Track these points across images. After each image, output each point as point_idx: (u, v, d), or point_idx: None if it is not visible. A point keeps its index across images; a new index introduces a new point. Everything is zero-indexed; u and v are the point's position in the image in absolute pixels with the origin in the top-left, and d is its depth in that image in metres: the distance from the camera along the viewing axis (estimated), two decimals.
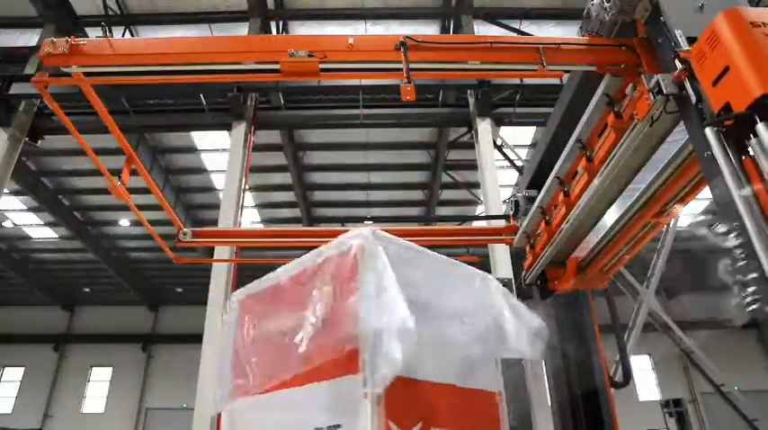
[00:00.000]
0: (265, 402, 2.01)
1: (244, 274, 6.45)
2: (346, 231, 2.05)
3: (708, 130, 2.04)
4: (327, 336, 1.79)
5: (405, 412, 1.66)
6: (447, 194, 15.19)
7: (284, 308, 2.14)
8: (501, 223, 4.77)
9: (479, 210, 14.67)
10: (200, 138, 13.04)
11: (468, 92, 10.61)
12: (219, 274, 8.35)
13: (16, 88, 9.65)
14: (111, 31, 2.88)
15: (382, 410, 1.57)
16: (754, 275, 1.81)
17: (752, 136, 1.91)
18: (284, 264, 2.50)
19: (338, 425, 1.60)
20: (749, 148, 1.94)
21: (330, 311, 1.83)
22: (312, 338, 1.82)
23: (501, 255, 8.36)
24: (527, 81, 9.92)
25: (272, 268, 2.64)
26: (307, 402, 1.78)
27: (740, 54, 1.97)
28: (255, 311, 2.36)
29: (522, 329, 2.18)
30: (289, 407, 1.86)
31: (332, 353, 1.74)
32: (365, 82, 9.94)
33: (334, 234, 4.06)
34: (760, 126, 1.87)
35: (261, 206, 15.88)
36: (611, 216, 3.45)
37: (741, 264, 1.90)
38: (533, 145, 12.23)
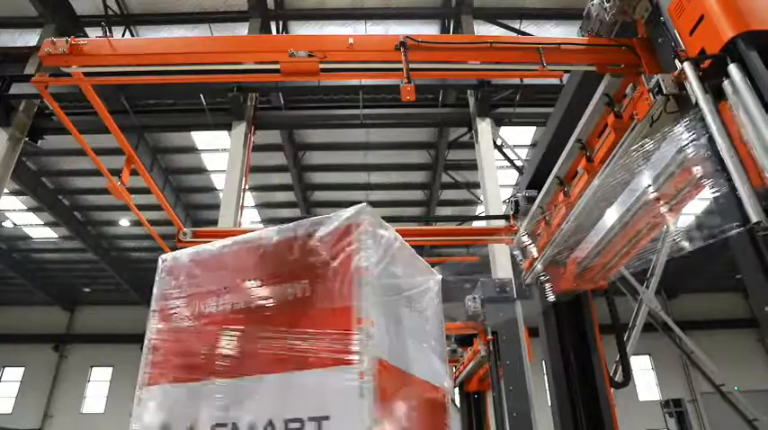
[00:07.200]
0: (202, 390, 1.90)
1: None
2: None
3: (686, 65, 2.17)
4: (310, 319, 1.68)
5: (390, 401, 1.64)
6: (447, 194, 15.18)
7: (248, 281, 1.97)
8: (501, 223, 4.76)
9: (479, 210, 14.66)
10: (201, 139, 13.03)
11: (468, 92, 10.61)
12: None
13: (16, 88, 9.65)
14: (111, 31, 2.88)
15: (376, 400, 1.55)
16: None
17: (724, 78, 2.06)
18: None
19: (326, 417, 1.55)
20: (725, 93, 2.07)
21: (319, 290, 1.72)
22: (287, 320, 1.69)
23: (501, 255, 8.36)
24: (527, 81, 9.92)
25: None
26: (276, 392, 1.68)
27: (714, 2, 2.14)
28: (200, 282, 2.16)
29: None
30: (245, 397, 1.75)
31: (315, 339, 1.66)
32: (365, 82, 9.94)
33: None
34: (731, 67, 2.02)
35: (261, 206, 15.88)
36: (611, 216, 3.44)
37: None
38: (533, 145, 12.22)
